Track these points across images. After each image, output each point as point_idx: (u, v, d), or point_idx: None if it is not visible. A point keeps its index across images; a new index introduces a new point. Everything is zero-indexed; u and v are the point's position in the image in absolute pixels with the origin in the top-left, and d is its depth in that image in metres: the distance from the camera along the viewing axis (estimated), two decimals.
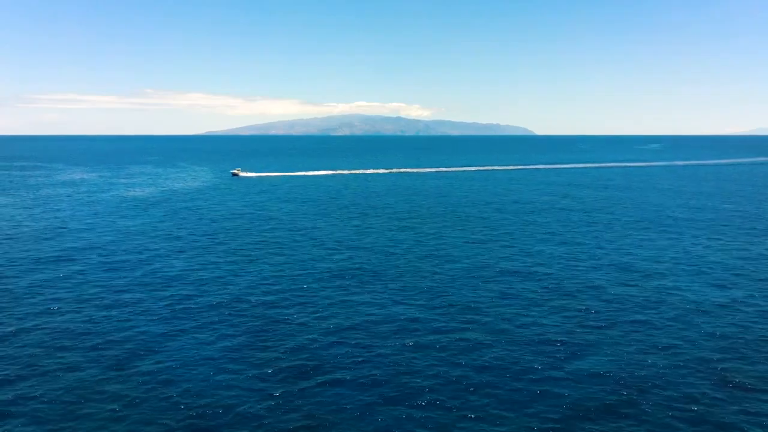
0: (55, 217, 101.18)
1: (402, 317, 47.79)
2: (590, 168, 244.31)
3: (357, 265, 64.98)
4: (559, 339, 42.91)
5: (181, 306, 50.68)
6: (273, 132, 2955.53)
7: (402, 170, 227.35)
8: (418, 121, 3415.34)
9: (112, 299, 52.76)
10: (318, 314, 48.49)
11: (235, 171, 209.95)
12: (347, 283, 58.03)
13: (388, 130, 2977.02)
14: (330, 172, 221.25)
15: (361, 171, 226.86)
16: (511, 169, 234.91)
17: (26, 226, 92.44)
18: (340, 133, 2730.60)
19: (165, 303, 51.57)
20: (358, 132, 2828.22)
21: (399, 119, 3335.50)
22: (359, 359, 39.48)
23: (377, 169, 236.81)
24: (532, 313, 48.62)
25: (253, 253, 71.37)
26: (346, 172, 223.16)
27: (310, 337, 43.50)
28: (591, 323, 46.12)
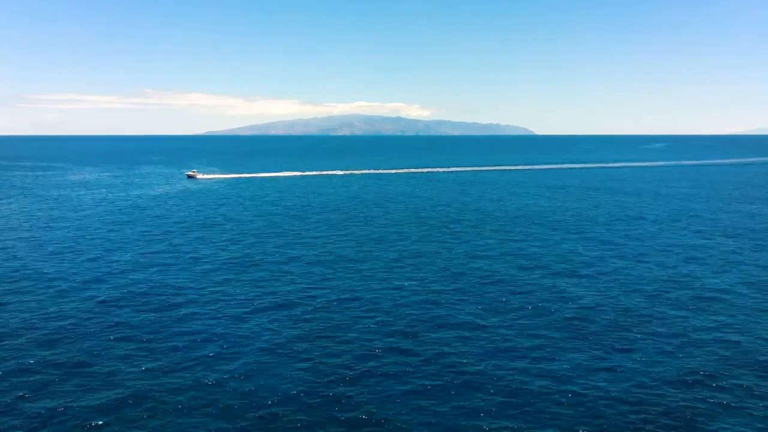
0: (83, 219, 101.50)
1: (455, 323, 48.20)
2: (598, 168, 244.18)
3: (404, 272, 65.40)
4: (628, 369, 43.15)
5: (238, 308, 51.13)
6: (273, 132, 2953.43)
7: (405, 170, 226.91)
8: (418, 121, 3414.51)
9: (169, 300, 53.15)
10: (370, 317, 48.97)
11: (191, 173, 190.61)
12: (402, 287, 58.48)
13: (388, 130, 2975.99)
14: (303, 173, 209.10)
15: (352, 172, 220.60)
16: (521, 170, 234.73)
17: (62, 226, 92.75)
18: (340, 133, 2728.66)
19: (218, 305, 52.02)
20: (358, 132, 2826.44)
21: (399, 119, 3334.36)
22: (420, 363, 39.95)
23: (365, 169, 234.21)
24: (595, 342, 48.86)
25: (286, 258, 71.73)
26: (324, 172, 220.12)
27: (366, 338, 44.00)
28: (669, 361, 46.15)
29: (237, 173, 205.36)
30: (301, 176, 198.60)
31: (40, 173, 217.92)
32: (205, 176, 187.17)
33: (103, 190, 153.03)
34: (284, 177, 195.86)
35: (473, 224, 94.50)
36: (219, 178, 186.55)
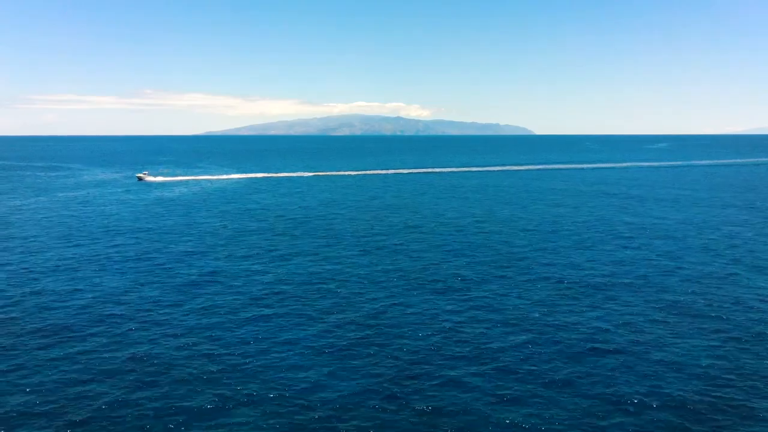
0: (110, 218, 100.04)
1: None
2: (608, 168, 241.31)
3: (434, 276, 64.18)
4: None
5: (282, 311, 49.89)
6: (272, 132, 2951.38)
7: (405, 171, 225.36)
8: (418, 120, 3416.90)
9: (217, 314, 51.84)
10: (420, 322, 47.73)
11: (141, 175, 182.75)
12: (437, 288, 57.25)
13: (388, 129, 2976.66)
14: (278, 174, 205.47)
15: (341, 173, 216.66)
16: (533, 170, 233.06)
17: (87, 231, 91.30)
18: (339, 133, 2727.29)
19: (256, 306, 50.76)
20: (357, 132, 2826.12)
21: (398, 119, 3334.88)
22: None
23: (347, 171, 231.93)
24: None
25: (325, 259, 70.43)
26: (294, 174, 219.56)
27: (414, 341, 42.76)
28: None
29: (189, 176, 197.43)
30: (311, 177, 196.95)
31: (52, 174, 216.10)
32: (155, 179, 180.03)
33: (119, 190, 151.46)
34: (260, 177, 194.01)
35: (530, 235, 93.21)
36: (169, 180, 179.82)
